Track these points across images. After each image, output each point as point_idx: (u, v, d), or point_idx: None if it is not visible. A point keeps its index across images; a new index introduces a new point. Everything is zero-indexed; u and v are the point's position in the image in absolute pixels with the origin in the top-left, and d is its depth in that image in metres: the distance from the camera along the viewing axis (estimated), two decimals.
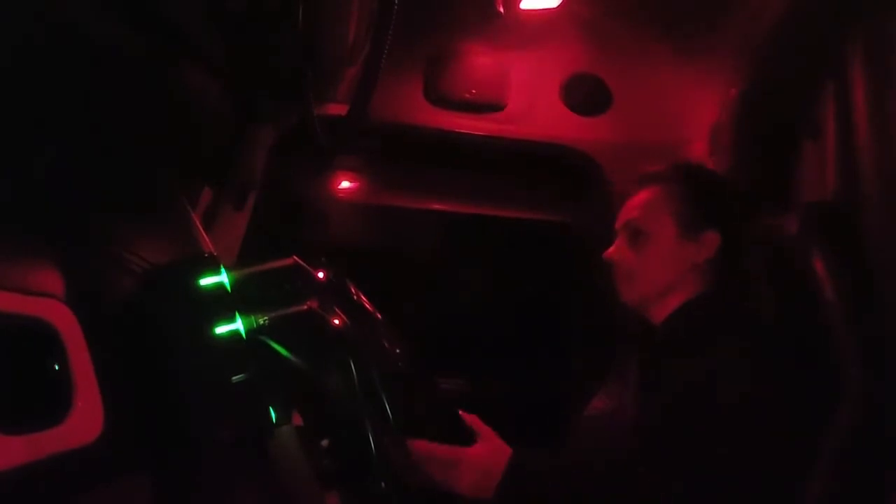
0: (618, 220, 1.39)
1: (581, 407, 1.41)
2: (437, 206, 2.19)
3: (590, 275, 1.94)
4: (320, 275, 1.15)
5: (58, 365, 0.70)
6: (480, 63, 1.83)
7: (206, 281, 0.92)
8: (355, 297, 1.20)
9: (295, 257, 1.10)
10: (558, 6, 1.62)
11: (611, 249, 1.37)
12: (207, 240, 1.11)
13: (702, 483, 1.07)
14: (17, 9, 0.78)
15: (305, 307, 1.06)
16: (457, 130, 1.84)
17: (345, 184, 2.19)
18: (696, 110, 1.78)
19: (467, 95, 1.82)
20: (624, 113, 1.87)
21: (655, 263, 1.31)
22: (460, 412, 1.23)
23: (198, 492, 0.88)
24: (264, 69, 1.35)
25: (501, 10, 1.65)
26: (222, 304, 0.92)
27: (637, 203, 1.36)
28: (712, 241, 1.30)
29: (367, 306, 1.20)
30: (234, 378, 0.89)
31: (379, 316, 1.21)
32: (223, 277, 0.94)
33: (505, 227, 2.29)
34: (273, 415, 0.97)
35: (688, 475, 1.07)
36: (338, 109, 1.68)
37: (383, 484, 1.01)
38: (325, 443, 1.09)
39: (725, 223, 1.31)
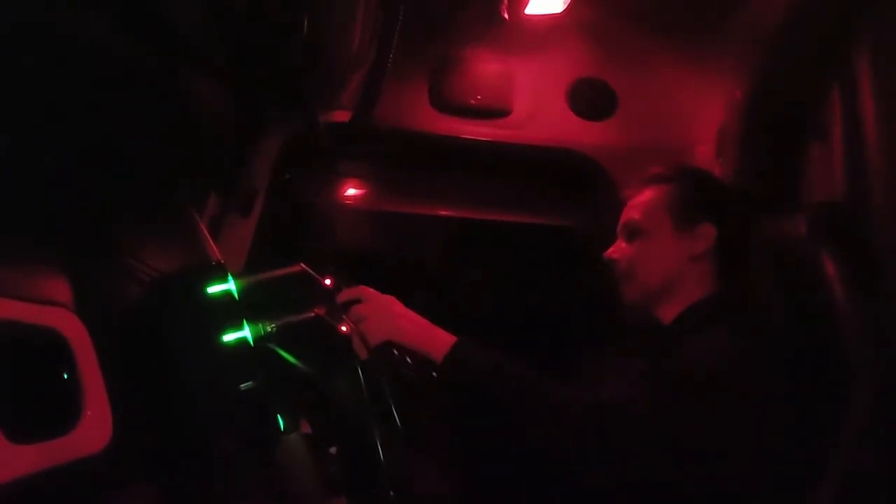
0: (619, 223, 1.41)
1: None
2: (443, 212, 2.19)
3: (596, 279, 1.93)
4: (327, 281, 1.15)
5: (67, 374, 0.70)
6: (485, 69, 1.83)
7: (214, 289, 0.92)
8: None
9: (302, 264, 1.10)
10: (563, 11, 1.62)
11: (610, 249, 1.39)
12: (214, 247, 1.12)
13: (687, 467, 1.06)
14: (26, 17, 0.79)
15: (313, 314, 1.06)
16: (462, 136, 1.84)
17: (351, 190, 2.20)
18: (701, 113, 1.78)
19: (472, 101, 1.82)
20: (629, 116, 1.87)
21: (653, 259, 1.33)
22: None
23: (206, 499, 0.89)
24: (270, 76, 1.36)
25: (506, 15, 1.65)
26: (230, 311, 0.92)
27: (636, 204, 1.39)
28: (708, 233, 1.31)
29: None
30: (242, 386, 0.90)
31: None
32: (230, 285, 0.94)
33: (511, 232, 2.28)
34: (281, 422, 0.97)
35: (674, 455, 1.06)
36: (343, 116, 1.68)
37: (391, 491, 1.01)
38: (333, 450, 1.09)
39: (721, 216, 1.32)
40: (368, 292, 1.20)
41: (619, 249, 1.38)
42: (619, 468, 1.07)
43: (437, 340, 1.17)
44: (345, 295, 1.17)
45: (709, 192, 1.37)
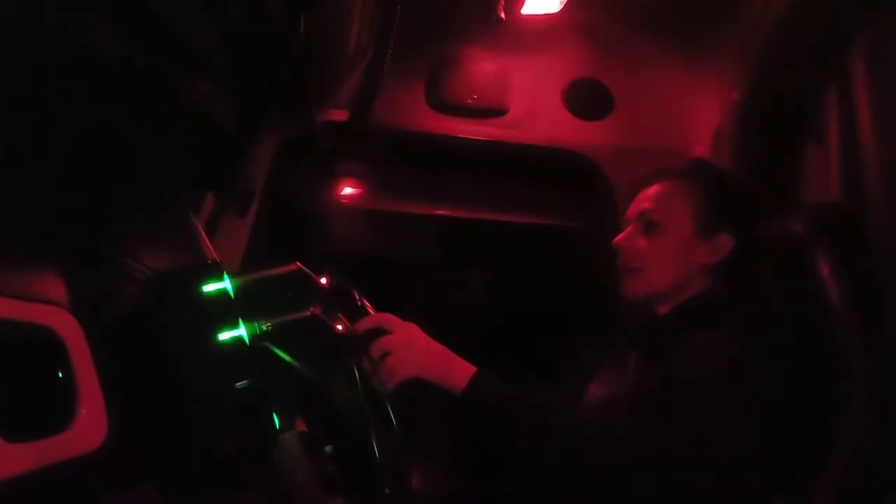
0: (630, 210, 1.37)
1: (579, 395, 1.39)
2: (439, 212, 2.19)
3: (593, 278, 1.94)
4: (323, 280, 1.15)
5: (62, 372, 0.70)
6: (482, 68, 1.84)
7: (210, 288, 0.92)
8: (359, 303, 1.20)
9: (298, 263, 1.10)
10: (559, 11, 1.63)
11: (621, 237, 1.34)
12: (210, 246, 1.12)
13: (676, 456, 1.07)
14: (26, 18, 0.79)
15: (309, 313, 1.06)
16: (459, 136, 1.84)
17: (348, 189, 2.20)
18: (698, 114, 1.78)
19: (469, 101, 1.82)
20: (626, 117, 1.87)
21: (666, 257, 1.29)
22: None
23: (202, 498, 0.89)
24: (267, 76, 1.36)
25: (503, 15, 1.65)
26: (226, 310, 0.92)
27: (652, 194, 1.33)
28: (725, 244, 1.28)
29: (371, 312, 1.21)
30: (237, 384, 0.90)
31: None
32: (226, 284, 0.94)
33: (508, 232, 2.28)
34: (277, 421, 0.97)
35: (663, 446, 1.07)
36: (341, 115, 1.68)
37: (387, 489, 1.01)
38: (328, 448, 1.09)
39: (740, 228, 1.30)
40: (393, 322, 1.18)
41: (630, 240, 1.33)
42: (635, 487, 1.08)
43: (456, 372, 1.16)
44: (367, 323, 1.16)
45: (735, 200, 1.33)
